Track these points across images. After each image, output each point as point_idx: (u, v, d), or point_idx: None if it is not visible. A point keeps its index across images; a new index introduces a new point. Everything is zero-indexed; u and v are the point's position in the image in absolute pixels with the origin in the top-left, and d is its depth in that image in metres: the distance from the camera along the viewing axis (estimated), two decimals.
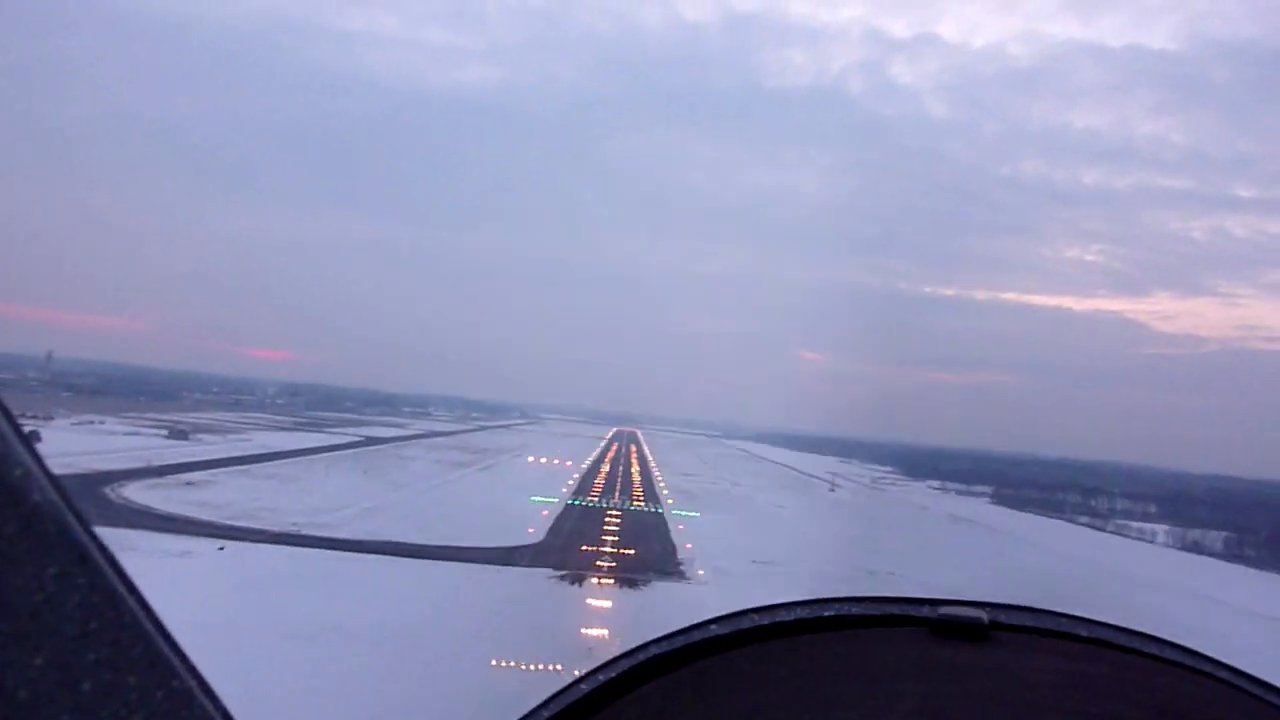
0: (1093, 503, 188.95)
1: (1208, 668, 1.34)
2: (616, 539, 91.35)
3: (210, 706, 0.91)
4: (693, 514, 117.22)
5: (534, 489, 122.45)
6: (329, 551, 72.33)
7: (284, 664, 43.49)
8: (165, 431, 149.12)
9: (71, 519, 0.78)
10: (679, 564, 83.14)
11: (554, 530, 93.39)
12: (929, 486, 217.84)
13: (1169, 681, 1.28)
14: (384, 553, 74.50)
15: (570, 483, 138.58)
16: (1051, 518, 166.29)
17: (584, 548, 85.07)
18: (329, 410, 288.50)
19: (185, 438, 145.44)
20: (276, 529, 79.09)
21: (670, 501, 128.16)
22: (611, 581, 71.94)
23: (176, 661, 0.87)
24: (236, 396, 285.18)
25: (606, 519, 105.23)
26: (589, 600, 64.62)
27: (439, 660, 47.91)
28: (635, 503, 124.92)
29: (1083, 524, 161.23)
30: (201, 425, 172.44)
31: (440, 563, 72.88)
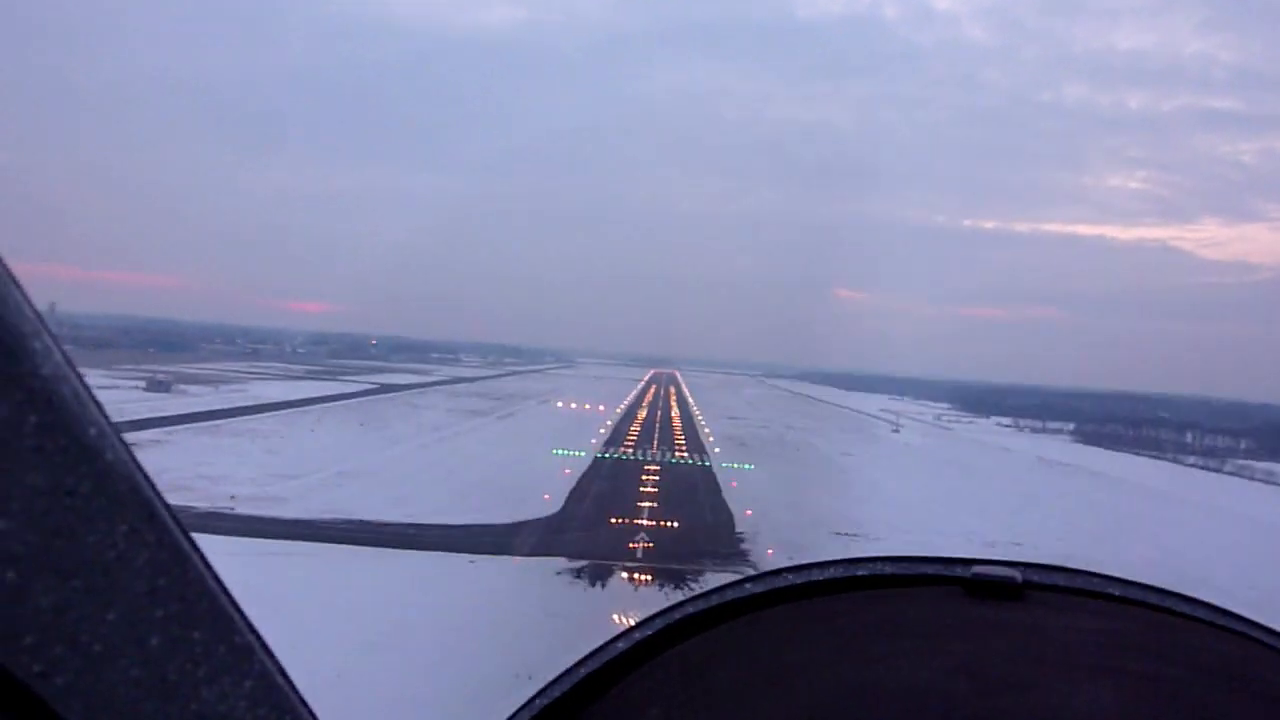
0: (1188, 439, 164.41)
1: (1241, 627, 1.32)
2: (655, 505, 69.51)
3: (269, 663, 0.91)
4: (746, 467, 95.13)
5: (558, 440, 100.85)
6: (258, 541, 50.81)
7: None
8: (144, 384, 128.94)
9: (140, 478, 0.78)
10: (740, 541, 61.23)
11: (576, 495, 71.73)
12: (997, 424, 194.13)
13: (1203, 640, 1.27)
14: (336, 539, 53.16)
15: (601, 431, 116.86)
16: (1154, 458, 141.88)
17: (613, 520, 63.29)
18: (354, 358, 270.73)
19: (165, 390, 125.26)
20: (204, 506, 57.76)
21: (718, 451, 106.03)
22: (648, 576, 50.09)
23: (238, 618, 0.87)
24: (256, 346, 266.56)
25: (643, 476, 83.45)
26: (615, 613, 42.62)
27: None
28: (677, 454, 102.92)
29: (1193, 465, 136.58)
30: (196, 376, 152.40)
31: (411, 554, 51.42)
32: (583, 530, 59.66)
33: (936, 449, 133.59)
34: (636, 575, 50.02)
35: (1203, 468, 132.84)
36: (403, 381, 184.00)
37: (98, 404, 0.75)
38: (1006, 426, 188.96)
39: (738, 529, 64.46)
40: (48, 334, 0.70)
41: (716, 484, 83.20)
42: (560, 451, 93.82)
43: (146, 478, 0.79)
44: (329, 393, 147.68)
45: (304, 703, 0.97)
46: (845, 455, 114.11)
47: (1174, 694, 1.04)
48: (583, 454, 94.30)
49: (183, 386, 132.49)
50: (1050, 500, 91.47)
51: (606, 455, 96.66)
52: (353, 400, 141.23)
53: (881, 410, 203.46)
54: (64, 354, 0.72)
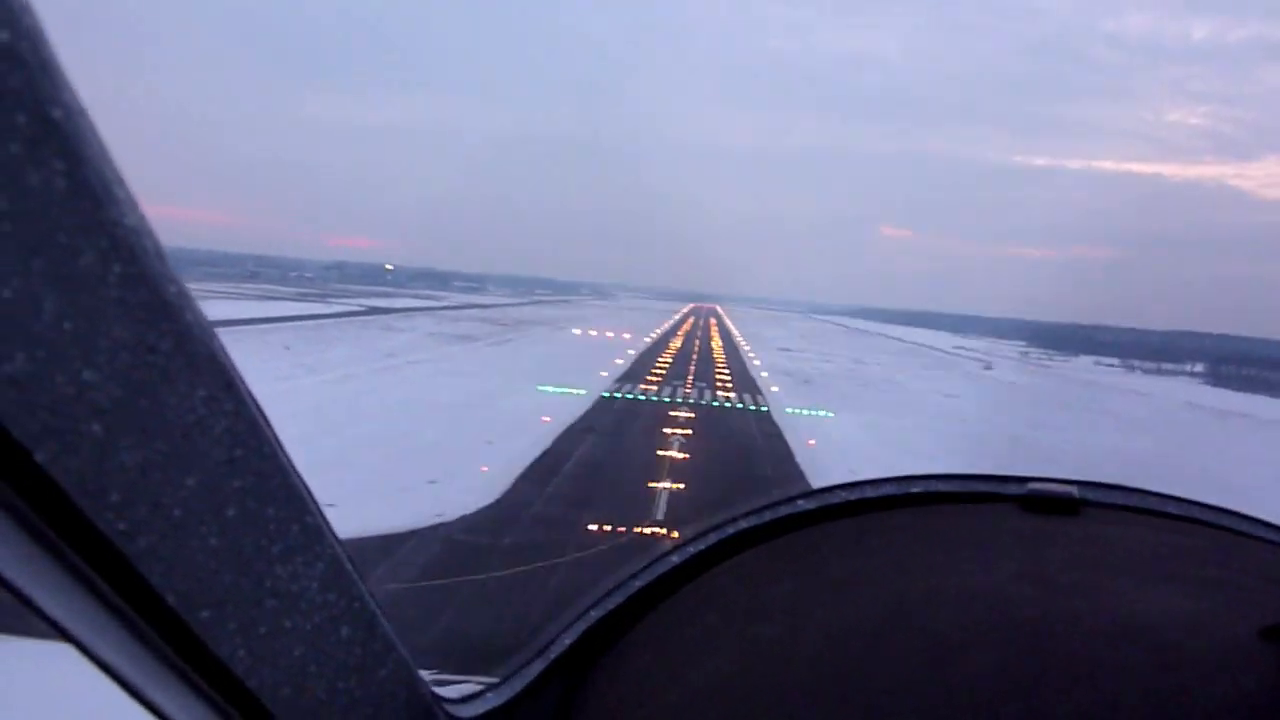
0: None
1: None
2: (682, 488, 37.45)
3: (339, 548, 0.89)
4: (823, 414, 62.82)
5: (554, 373, 69.02)
6: None
7: None
8: None
9: (218, 344, 0.72)
10: None
11: (541, 467, 39.63)
12: (1097, 363, 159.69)
13: (1264, 554, 1.24)
14: None
15: (618, 362, 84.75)
16: None
17: (591, 528, 31.30)
18: (365, 284, 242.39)
19: None
20: None
21: (776, 390, 73.51)
22: None
23: (309, 499, 0.84)
24: (257, 271, 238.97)
25: (666, 430, 51.26)
26: None
27: None
28: (719, 394, 70.56)
29: None
30: None
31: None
32: (525, 557, 27.65)
33: (1056, 392, 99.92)
34: None
35: None
36: (398, 305, 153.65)
37: (170, 265, 0.69)
38: (1114, 367, 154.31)
39: None
40: (129, 186, 0.65)
41: (784, 442, 50.77)
42: (549, 389, 62.05)
43: (222, 346, 0.73)
44: (295, 313, 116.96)
45: (371, 595, 0.93)
46: (949, 398, 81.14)
47: (1242, 600, 1.01)
48: (582, 392, 62.42)
49: None
50: (1265, 470, 58.32)
51: (617, 394, 64.58)
52: (316, 321, 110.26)
53: (955, 348, 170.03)
54: (143, 212, 0.68)
